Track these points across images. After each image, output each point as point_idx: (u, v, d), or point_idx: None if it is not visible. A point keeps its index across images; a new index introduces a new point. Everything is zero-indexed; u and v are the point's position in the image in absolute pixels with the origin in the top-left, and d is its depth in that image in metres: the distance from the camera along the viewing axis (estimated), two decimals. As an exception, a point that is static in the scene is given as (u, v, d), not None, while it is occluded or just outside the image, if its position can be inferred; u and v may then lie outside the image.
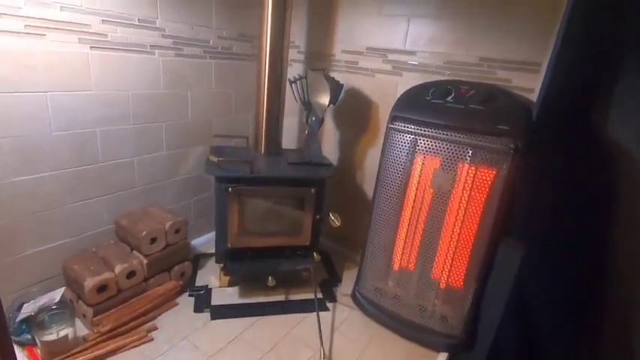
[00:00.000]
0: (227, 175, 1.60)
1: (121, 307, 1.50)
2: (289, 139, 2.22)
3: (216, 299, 1.73)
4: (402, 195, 1.54)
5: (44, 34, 1.30)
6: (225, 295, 1.76)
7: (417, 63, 1.74)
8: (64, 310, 1.37)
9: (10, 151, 1.32)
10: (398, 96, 1.59)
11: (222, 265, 1.76)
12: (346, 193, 2.11)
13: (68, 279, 1.51)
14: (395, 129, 1.51)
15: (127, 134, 1.65)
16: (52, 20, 1.31)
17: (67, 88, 1.41)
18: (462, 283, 1.50)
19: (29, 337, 1.34)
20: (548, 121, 1.41)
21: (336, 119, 2.10)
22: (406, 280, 1.61)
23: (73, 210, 1.55)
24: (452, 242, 1.48)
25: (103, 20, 1.44)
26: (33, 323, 1.32)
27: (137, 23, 1.55)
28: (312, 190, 1.69)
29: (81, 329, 1.45)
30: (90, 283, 1.39)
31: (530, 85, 1.48)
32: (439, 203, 1.47)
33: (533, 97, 1.47)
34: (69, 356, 1.31)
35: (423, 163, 1.47)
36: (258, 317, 1.65)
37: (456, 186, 1.42)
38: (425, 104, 1.46)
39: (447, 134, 1.39)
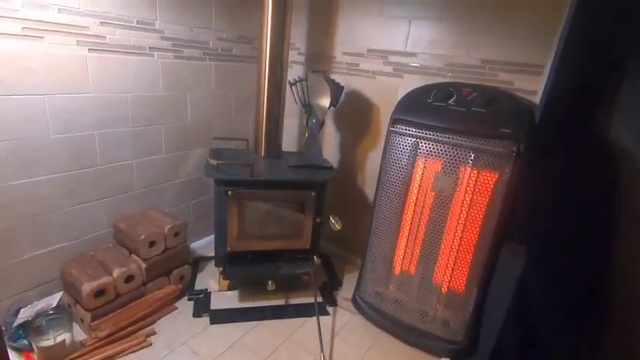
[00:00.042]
0: (226, 178, 1.59)
1: (120, 312, 1.49)
2: (289, 141, 2.21)
3: (216, 303, 1.71)
4: (403, 198, 1.53)
5: (42, 37, 1.29)
6: (225, 299, 1.75)
7: (418, 65, 1.72)
8: (62, 315, 1.36)
9: (8, 154, 1.30)
10: (399, 98, 1.58)
11: (221, 268, 1.75)
12: (347, 195, 2.10)
13: (66, 283, 1.50)
14: (396, 132, 1.49)
15: (125, 137, 1.64)
16: (50, 22, 1.30)
17: (65, 90, 1.40)
18: (463, 287, 1.48)
19: (26, 342, 1.32)
20: (550, 123, 1.39)
21: (336, 121, 2.08)
22: (407, 284, 1.60)
23: (71, 213, 1.53)
24: (454, 246, 1.46)
25: (101, 22, 1.43)
26: (30, 328, 1.31)
27: (136, 25, 1.54)
28: (313, 194, 1.68)
29: (79, 334, 1.43)
30: (87, 287, 1.38)
31: (533, 88, 1.46)
32: (441, 207, 1.46)
33: (536, 99, 1.45)
34: (66, 362, 1.30)
35: (424, 167, 1.46)
36: (258, 322, 1.63)
37: (457, 189, 1.40)
38: (426, 107, 1.45)
39: (448, 137, 1.37)
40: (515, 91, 1.49)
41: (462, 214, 1.42)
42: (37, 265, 1.47)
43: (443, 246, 1.49)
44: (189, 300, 1.71)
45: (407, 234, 1.56)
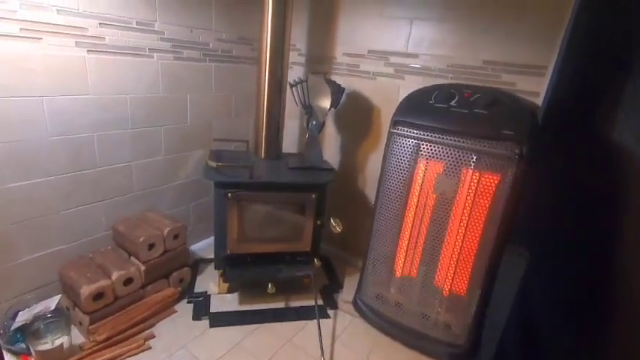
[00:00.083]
0: (226, 180, 1.57)
1: (118, 315, 1.48)
2: (290, 142, 2.20)
3: (215, 306, 1.70)
4: (404, 200, 1.51)
5: (40, 38, 1.28)
6: (225, 301, 1.74)
7: (419, 66, 1.71)
8: (60, 318, 1.35)
9: (6, 156, 1.29)
10: (400, 99, 1.57)
11: (221, 271, 1.73)
12: (347, 197, 2.09)
13: (64, 286, 1.49)
14: (397, 133, 1.48)
15: (124, 138, 1.63)
16: (48, 23, 1.29)
17: (64, 92, 1.39)
18: (465, 290, 1.47)
19: (24, 346, 1.31)
20: (553, 125, 1.38)
21: (337, 123, 2.07)
22: (409, 287, 1.58)
23: (70, 215, 1.52)
24: (455, 249, 1.45)
25: (100, 23, 1.42)
26: (27, 332, 1.30)
27: (135, 26, 1.53)
28: (313, 196, 1.67)
29: (77, 337, 1.42)
30: (86, 290, 1.37)
31: (536, 89, 1.45)
32: (442, 209, 1.44)
33: (539, 100, 1.44)
34: (64, 366, 1.29)
35: (425, 169, 1.44)
36: (258, 325, 1.62)
37: (459, 192, 1.39)
38: (428, 108, 1.43)
39: (450, 139, 1.36)
40: (517, 93, 1.47)
41: (463, 217, 1.40)
42: (35, 267, 1.46)
43: (444, 248, 1.47)
44: (188, 303, 1.70)
45: (408, 236, 1.54)
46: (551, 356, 1.40)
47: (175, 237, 1.67)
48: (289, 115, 1.95)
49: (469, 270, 1.44)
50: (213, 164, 1.60)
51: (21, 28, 1.23)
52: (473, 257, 1.42)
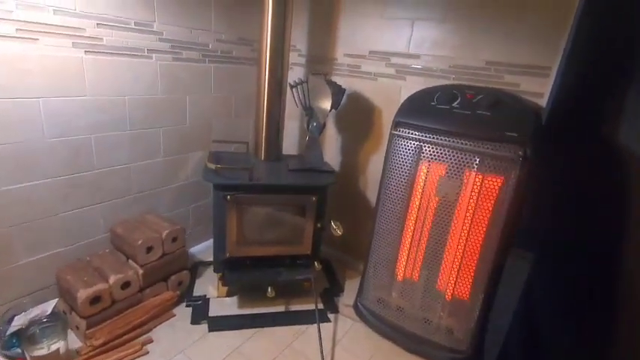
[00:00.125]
0: (225, 182, 1.55)
1: (116, 319, 1.46)
2: (290, 144, 2.18)
3: (214, 310, 1.68)
4: (406, 203, 1.49)
5: (37, 39, 1.27)
6: (224, 305, 1.72)
7: (421, 67, 1.69)
8: (56, 322, 1.33)
9: (2, 158, 1.28)
10: (402, 101, 1.55)
11: (220, 274, 1.71)
12: (348, 199, 2.06)
13: (61, 290, 1.47)
14: (398, 135, 1.46)
15: (123, 140, 1.61)
16: (45, 24, 1.27)
17: (61, 93, 1.37)
18: (468, 294, 1.44)
19: (19, 351, 1.29)
20: (557, 126, 1.36)
21: (338, 124, 2.05)
22: (410, 291, 1.56)
23: (67, 218, 1.51)
24: (458, 252, 1.42)
25: (98, 24, 1.40)
26: (23, 337, 1.28)
27: (133, 27, 1.51)
28: (313, 198, 1.64)
29: (74, 342, 1.40)
30: (83, 294, 1.35)
31: (540, 90, 1.42)
32: (444, 212, 1.42)
33: (543, 102, 1.41)
34: (60, 371, 1.27)
35: (427, 171, 1.42)
36: (257, 329, 1.60)
37: (462, 194, 1.37)
38: (430, 110, 1.41)
39: (452, 141, 1.34)
40: (521, 94, 1.45)
41: (466, 220, 1.38)
42: (32, 271, 1.44)
43: (447, 252, 1.45)
44: (187, 306, 1.68)
45: (410, 239, 1.52)
46: (552, 356, 1.39)
47: (174, 240, 1.65)
48: (289, 116, 1.93)
49: (472, 274, 1.42)
50: (212, 166, 1.58)
51: (17, 29, 1.22)
52: (476, 261, 1.40)
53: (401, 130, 1.45)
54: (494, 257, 1.35)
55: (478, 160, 1.30)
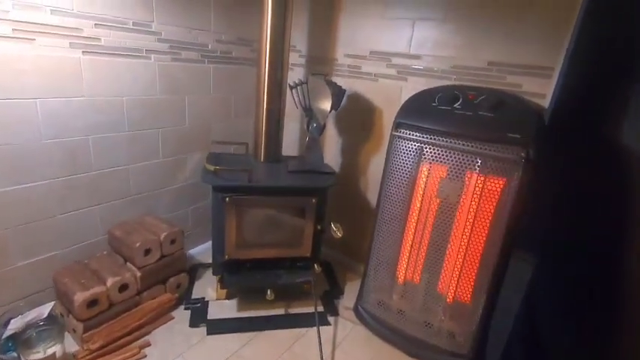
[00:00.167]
0: (224, 184, 1.54)
1: (113, 322, 1.44)
2: (290, 145, 2.16)
3: (213, 313, 1.66)
4: (407, 204, 1.48)
5: (33, 39, 1.25)
6: (223, 308, 1.70)
7: (422, 67, 1.68)
8: (53, 326, 1.31)
9: (-2, 159, 1.26)
10: (403, 101, 1.53)
11: (219, 277, 1.70)
12: (349, 201, 2.05)
13: (58, 292, 1.45)
14: (399, 136, 1.44)
15: (121, 141, 1.59)
16: (42, 24, 1.26)
17: (58, 94, 1.36)
18: (470, 297, 1.43)
19: (15, 354, 1.27)
20: (560, 127, 1.35)
21: (338, 125, 2.03)
22: (411, 293, 1.54)
23: (65, 220, 1.49)
24: (459, 254, 1.41)
25: (95, 24, 1.39)
26: (19, 341, 1.26)
27: (132, 27, 1.50)
28: (313, 200, 1.63)
29: (71, 345, 1.39)
30: (80, 297, 1.33)
31: (542, 91, 1.41)
32: (446, 213, 1.40)
33: (545, 102, 1.40)
34: (56, 375, 1.25)
35: (428, 172, 1.41)
36: (257, 332, 1.58)
37: (463, 196, 1.35)
38: (431, 110, 1.40)
39: (454, 142, 1.32)
40: (523, 94, 1.43)
41: (468, 222, 1.36)
42: (29, 273, 1.43)
43: (448, 254, 1.43)
44: (185, 309, 1.66)
45: (411, 241, 1.51)
46: (552, 357, 1.38)
47: (172, 242, 1.63)
48: (289, 117, 1.92)
49: (473, 276, 1.40)
50: (211, 167, 1.57)
51: (13, 29, 1.20)
52: (477, 263, 1.38)
53: (402, 131, 1.44)
54: (496, 260, 1.33)
55: (480, 161, 1.29)
